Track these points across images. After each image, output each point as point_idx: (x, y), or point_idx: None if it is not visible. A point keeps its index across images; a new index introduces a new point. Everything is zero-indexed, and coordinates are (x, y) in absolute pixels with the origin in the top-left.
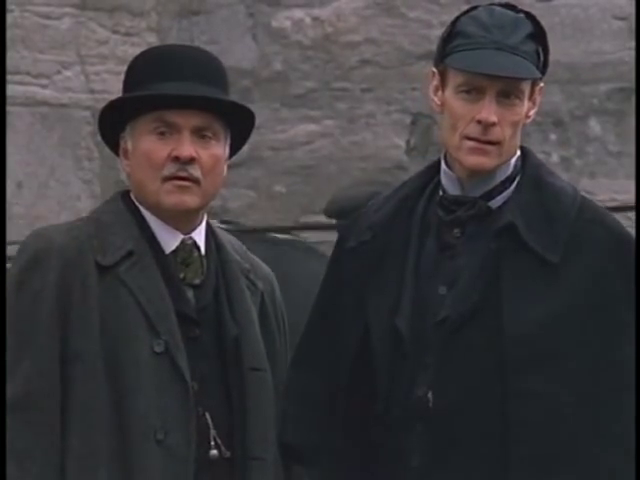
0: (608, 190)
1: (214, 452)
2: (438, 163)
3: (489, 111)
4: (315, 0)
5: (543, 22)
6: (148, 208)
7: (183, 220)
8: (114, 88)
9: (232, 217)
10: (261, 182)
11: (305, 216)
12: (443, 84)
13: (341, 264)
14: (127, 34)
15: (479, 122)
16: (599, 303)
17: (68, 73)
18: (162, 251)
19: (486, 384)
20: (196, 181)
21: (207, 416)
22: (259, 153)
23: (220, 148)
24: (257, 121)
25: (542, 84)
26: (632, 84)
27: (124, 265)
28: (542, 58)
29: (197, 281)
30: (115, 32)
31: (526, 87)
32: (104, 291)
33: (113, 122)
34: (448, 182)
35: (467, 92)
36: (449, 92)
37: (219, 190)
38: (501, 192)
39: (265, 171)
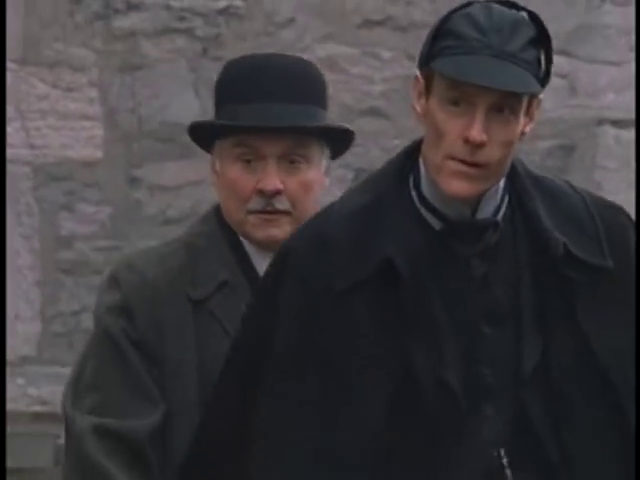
0: None
1: None
2: None
3: (479, 129)
4: None
5: None
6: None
7: (275, 249)
8: (55, 143)
9: None
10: None
11: None
12: (428, 90)
13: None
14: (68, 89)
15: (467, 141)
16: None
17: (8, 129)
18: (257, 279)
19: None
20: (284, 213)
21: None
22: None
23: (312, 171)
24: (198, 176)
25: (542, 96)
26: (573, 141)
27: (216, 298)
28: (544, 67)
29: None
30: (55, 87)
31: (524, 101)
32: (198, 327)
33: (203, 137)
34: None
35: (454, 103)
36: (433, 101)
37: (315, 210)
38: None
39: None
